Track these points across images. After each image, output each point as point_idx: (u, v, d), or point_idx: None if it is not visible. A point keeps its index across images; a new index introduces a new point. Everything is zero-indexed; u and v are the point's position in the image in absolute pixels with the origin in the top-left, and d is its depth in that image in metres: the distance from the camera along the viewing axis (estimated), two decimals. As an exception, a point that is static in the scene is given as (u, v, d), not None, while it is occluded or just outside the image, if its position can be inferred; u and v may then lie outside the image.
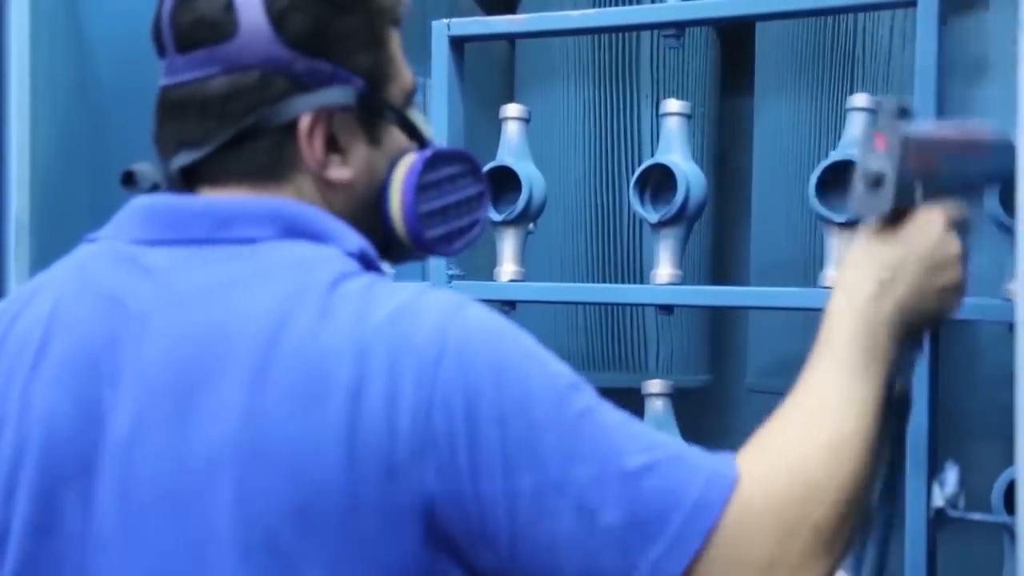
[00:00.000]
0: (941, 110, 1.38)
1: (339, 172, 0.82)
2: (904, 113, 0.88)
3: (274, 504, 0.70)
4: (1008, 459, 1.24)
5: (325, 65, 0.81)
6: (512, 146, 1.56)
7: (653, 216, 1.47)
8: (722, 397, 2.22)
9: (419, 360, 0.71)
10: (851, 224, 1.41)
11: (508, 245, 1.56)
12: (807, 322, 1.80)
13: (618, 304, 1.96)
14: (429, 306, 0.74)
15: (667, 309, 1.52)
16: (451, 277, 1.56)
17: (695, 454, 0.73)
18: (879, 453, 0.79)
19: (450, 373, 0.71)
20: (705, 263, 2.15)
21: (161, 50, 0.83)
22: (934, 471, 1.32)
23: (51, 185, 1.63)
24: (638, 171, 1.50)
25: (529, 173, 1.54)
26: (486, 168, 1.55)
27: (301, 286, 0.74)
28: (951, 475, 1.22)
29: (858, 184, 0.89)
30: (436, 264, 1.56)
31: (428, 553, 0.70)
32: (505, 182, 1.54)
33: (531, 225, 1.58)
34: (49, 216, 1.61)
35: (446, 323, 0.73)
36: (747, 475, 0.72)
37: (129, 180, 0.84)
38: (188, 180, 0.82)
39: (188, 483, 0.72)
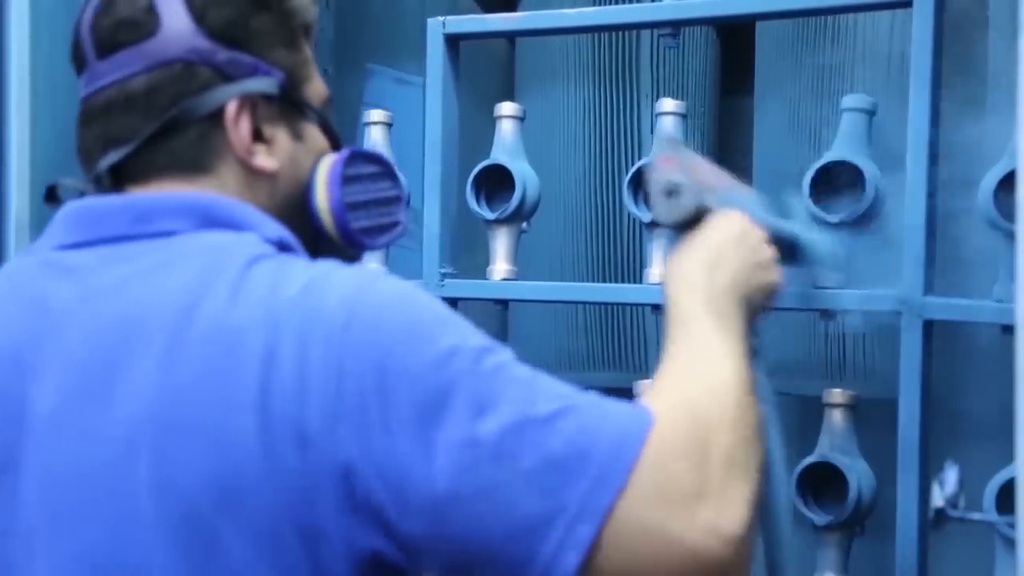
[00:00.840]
0: (936, 109, 1.37)
1: (265, 161, 0.84)
2: (682, 144, 1.03)
3: (192, 478, 0.70)
4: (1001, 460, 1.23)
5: (246, 57, 0.83)
6: (506, 144, 1.56)
7: (647, 215, 1.47)
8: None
9: (329, 326, 0.71)
10: (845, 224, 1.41)
11: (501, 244, 1.56)
12: (806, 322, 1.80)
13: (615, 304, 1.96)
14: (341, 278, 0.75)
15: (661, 308, 1.51)
16: (443, 276, 1.56)
17: (608, 400, 0.74)
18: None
19: (359, 336, 0.71)
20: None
21: (81, 64, 0.84)
22: (927, 471, 1.32)
23: (51, 184, 1.64)
24: (631, 170, 1.50)
25: (523, 172, 1.53)
26: (481, 166, 1.55)
27: (215, 267, 0.75)
28: (951, 475, 1.21)
29: (656, 196, 1.01)
30: (429, 263, 1.56)
31: (348, 522, 0.70)
32: (499, 181, 1.54)
33: (525, 224, 1.58)
34: (49, 216, 1.62)
35: (356, 291, 0.73)
36: (657, 414, 0.74)
37: (51, 196, 0.85)
38: (117, 181, 0.83)
39: (107, 464, 0.72)
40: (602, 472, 0.69)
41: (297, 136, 0.86)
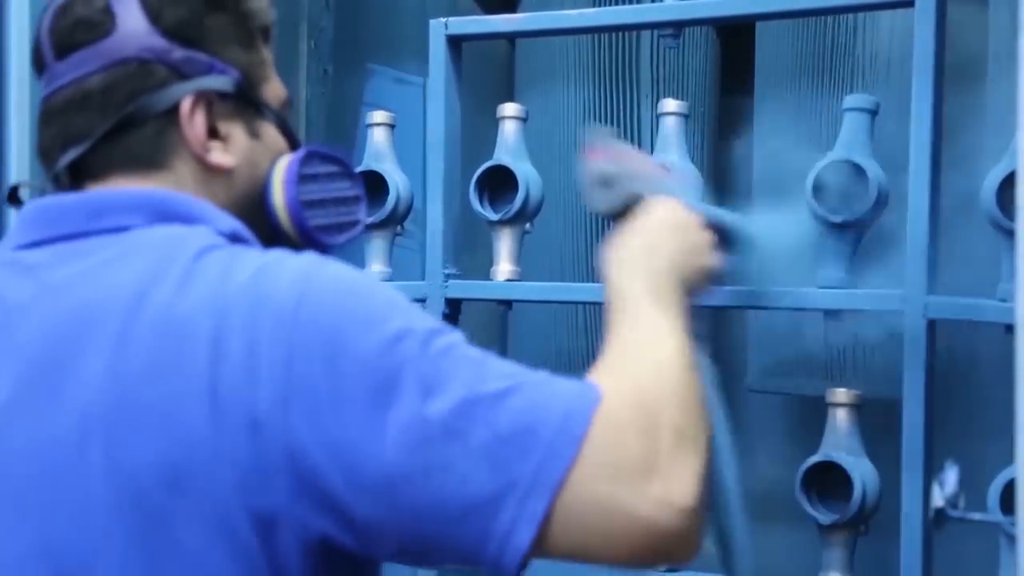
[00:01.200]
0: (939, 109, 1.37)
1: (221, 158, 0.85)
2: (611, 135, 1.05)
3: (144, 465, 0.71)
4: (1005, 460, 1.23)
5: (202, 56, 0.84)
6: (509, 145, 1.56)
7: (650, 216, 1.47)
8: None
9: (277, 310, 0.72)
10: (848, 224, 1.41)
11: (505, 245, 1.56)
12: (807, 322, 1.81)
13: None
14: (291, 264, 0.76)
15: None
16: (447, 276, 1.56)
17: (556, 378, 0.75)
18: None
19: (308, 319, 0.72)
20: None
21: (40, 67, 0.85)
22: (930, 471, 1.32)
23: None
24: (635, 170, 1.50)
25: (526, 172, 1.54)
26: (484, 167, 1.55)
27: (165, 259, 0.76)
28: (951, 475, 1.21)
29: (591, 186, 1.03)
30: (432, 263, 1.56)
31: (300, 506, 0.71)
32: (502, 181, 1.54)
33: (528, 225, 1.58)
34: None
35: (306, 276, 0.74)
36: (604, 390, 0.74)
37: (13, 197, 0.86)
38: (76, 180, 0.84)
39: (60, 454, 0.73)
40: (552, 446, 0.70)
41: (254, 135, 0.87)
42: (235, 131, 0.86)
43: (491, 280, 1.57)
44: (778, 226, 1.25)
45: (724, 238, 1.16)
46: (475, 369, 0.73)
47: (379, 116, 1.65)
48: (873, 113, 1.44)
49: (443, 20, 1.57)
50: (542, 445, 0.70)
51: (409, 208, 1.65)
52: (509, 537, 0.70)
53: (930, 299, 1.34)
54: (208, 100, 0.84)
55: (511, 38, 2.20)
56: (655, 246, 0.94)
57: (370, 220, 1.61)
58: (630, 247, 0.94)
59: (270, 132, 0.89)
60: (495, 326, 2.16)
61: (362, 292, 0.75)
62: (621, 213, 1.01)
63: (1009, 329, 1.20)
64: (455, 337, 0.75)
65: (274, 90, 0.90)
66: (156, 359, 0.72)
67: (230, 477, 0.70)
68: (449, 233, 1.57)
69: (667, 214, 0.99)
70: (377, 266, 1.64)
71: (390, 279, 1.63)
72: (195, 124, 0.83)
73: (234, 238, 0.81)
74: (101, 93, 0.82)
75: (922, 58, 1.35)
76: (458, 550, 0.72)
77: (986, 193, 1.28)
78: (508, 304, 1.60)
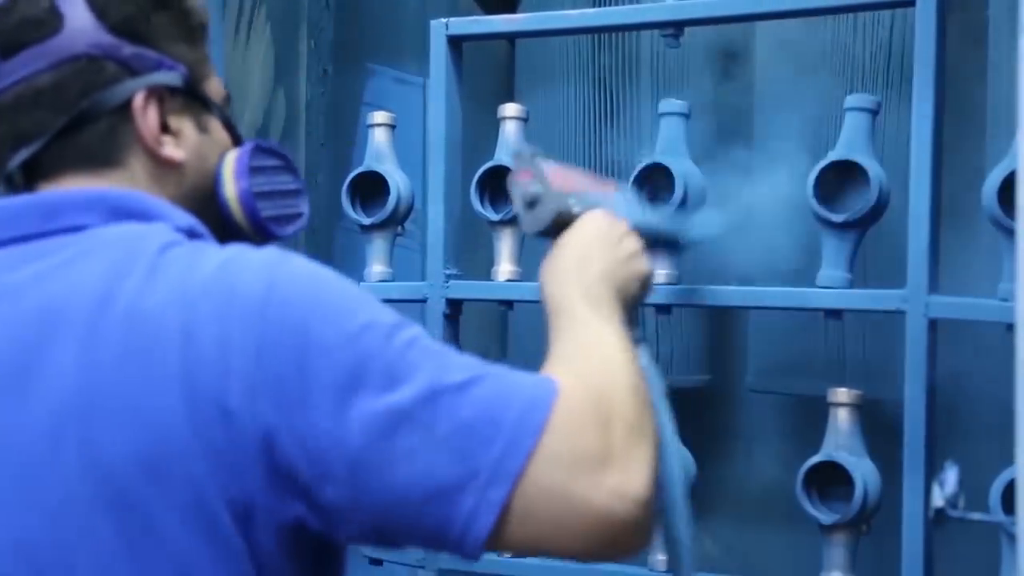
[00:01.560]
0: (939, 109, 1.37)
1: (174, 151, 0.86)
2: (536, 155, 1.06)
3: (120, 457, 0.72)
4: (1006, 460, 1.23)
5: (150, 52, 0.85)
6: (510, 145, 1.56)
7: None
8: (722, 397, 2.21)
9: (246, 302, 0.73)
10: (849, 224, 1.41)
11: (505, 245, 1.56)
12: (807, 322, 1.81)
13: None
14: (254, 258, 0.77)
15: (664, 309, 1.52)
16: (448, 276, 1.56)
17: (515, 371, 0.77)
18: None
19: (276, 311, 0.73)
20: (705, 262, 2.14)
21: None
22: (932, 471, 1.32)
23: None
24: (635, 170, 1.50)
25: (527, 173, 1.53)
26: (485, 167, 1.55)
27: (128, 256, 0.77)
28: (951, 475, 1.22)
29: (519, 208, 1.05)
30: (433, 264, 1.56)
31: (273, 492, 0.72)
32: (503, 182, 1.54)
33: (529, 225, 1.58)
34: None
35: (271, 269, 0.76)
36: (561, 382, 0.76)
37: None
38: (28, 180, 0.84)
39: (34, 450, 0.73)
40: (513, 437, 0.72)
41: (203, 129, 0.89)
42: (185, 126, 0.87)
43: (492, 280, 1.57)
44: (710, 224, 1.28)
45: (665, 243, 1.18)
46: (438, 361, 0.74)
47: (380, 116, 1.65)
48: (874, 113, 1.44)
49: (444, 20, 1.57)
50: (503, 435, 0.72)
51: (410, 208, 1.65)
52: (471, 524, 0.72)
53: (931, 299, 1.34)
54: (159, 95, 0.85)
55: (511, 38, 2.20)
56: (586, 258, 0.97)
57: (371, 220, 1.61)
58: (562, 260, 0.97)
59: (216, 127, 0.90)
60: (495, 326, 2.16)
61: (327, 285, 0.77)
62: (554, 231, 1.03)
63: (1011, 328, 1.20)
64: (417, 330, 0.77)
65: (215, 86, 0.91)
66: (127, 353, 0.73)
67: (206, 466, 0.71)
68: (450, 233, 1.57)
69: (595, 226, 1.02)
70: (378, 266, 1.64)
71: (391, 279, 1.63)
72: (148, 118, 0.84)
73: (191, 234, 0.82)
74: (52, 91, 0.82)
75: (922, 58, 1.35)
76: (422, 535, 0.74)
77: (987, 192, 1.28)
78: (509, 304, 1.60)
